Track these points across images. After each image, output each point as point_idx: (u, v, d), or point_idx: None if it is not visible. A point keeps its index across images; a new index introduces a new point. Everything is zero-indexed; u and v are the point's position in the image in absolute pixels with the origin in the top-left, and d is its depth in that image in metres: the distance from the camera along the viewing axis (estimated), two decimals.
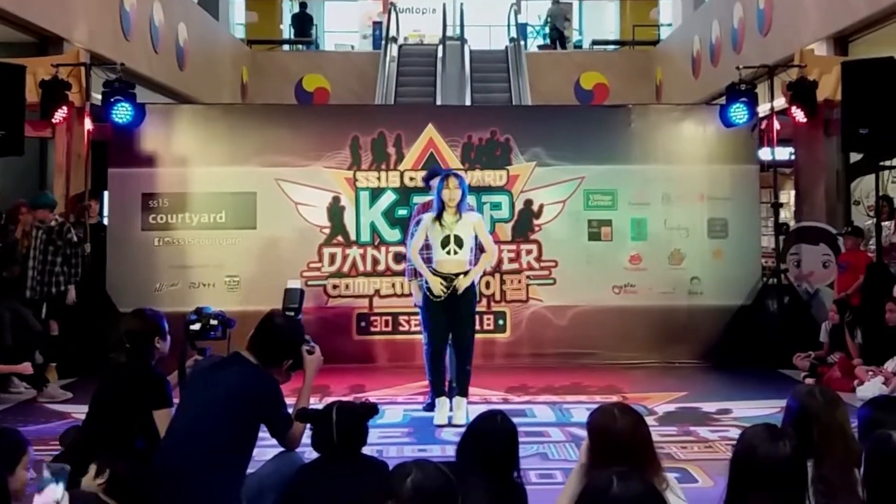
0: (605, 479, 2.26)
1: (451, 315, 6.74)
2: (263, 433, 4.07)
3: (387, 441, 6.17)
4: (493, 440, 3.34)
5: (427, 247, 6.80)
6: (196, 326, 4.62)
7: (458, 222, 6.70)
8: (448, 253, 6.67)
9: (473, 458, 3.28)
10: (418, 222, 7.01)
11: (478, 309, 7.59)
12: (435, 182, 6.93)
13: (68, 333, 8.53)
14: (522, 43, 18.20)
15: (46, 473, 3.26)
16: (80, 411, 4.75)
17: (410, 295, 8.47)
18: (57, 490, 3.23)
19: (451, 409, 6.73)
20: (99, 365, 6.74)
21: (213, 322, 4.62)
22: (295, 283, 4.78)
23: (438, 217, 6.71)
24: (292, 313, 4.51)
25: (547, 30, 20.47)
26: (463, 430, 3.51)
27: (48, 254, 8.36)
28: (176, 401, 4.25)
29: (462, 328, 6.81)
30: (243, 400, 3.94)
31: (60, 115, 9.15)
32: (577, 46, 21.41)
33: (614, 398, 7.43)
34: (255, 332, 4.15)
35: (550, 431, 6.51)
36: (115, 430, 4.11)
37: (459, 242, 6.68)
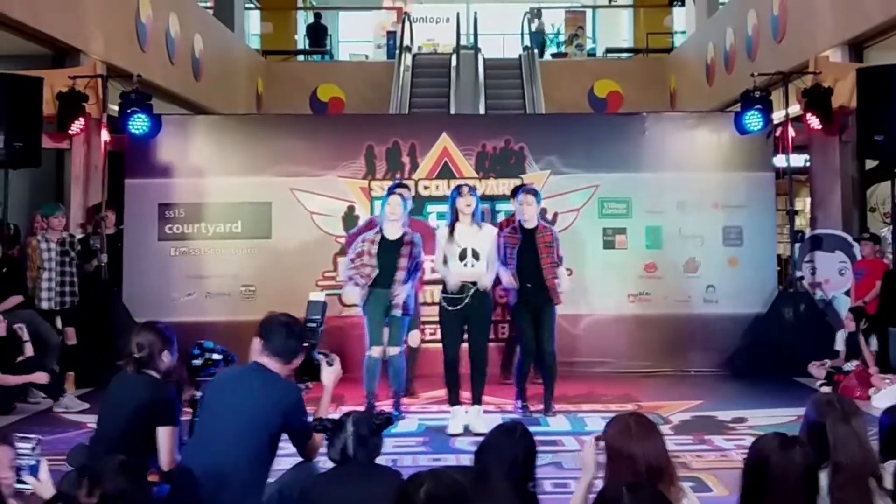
0: (616, 491, 2.28)
1: (466, 324, 6.76)
2: (283, 441, 4.09)
3: (401, 451, 6.17)
4: (511, 452, 3.33)
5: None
6: (198, 361, 4.55)
7: (475, 234, 6.72)
8: (466, 266, 6.71)
9: (490, 468, 3.29)
10: (364, 238, 7.09)
11: (493, 318, 7.61)
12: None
13: (86, 343, 8.58)
14: (536, 51, 18.21)
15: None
16: (95, 421, 4.75)
17: (426, 304, 8.51)
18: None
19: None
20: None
21: (216, 357, 4.56)
22: (318, 296, 4.72)
23: (452, 228, 6.74)
24: (314, 325, 4.48)
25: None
26: (479, 438, 3.51)
27: (65, 265, 8.47)
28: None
29: (476, 336, 6.82)
30: (268, 409, 3.97)
31: (77, 126, 9.24)
32: (591, 54, 21.38)
33: (629, 407, 7.43)
34: (265, 337, 4.13)
35: (565, 440, 6.50)
36: (125, 445, 4.11)
37: (476, 255, 6.72)
